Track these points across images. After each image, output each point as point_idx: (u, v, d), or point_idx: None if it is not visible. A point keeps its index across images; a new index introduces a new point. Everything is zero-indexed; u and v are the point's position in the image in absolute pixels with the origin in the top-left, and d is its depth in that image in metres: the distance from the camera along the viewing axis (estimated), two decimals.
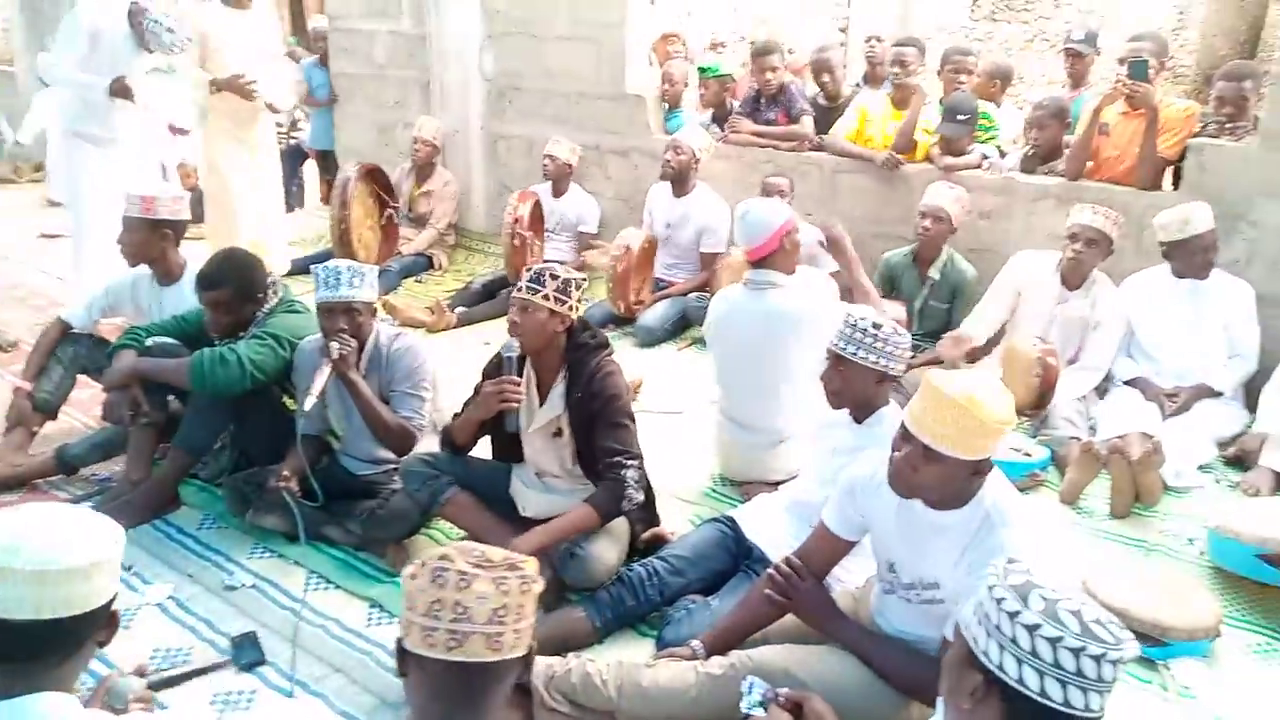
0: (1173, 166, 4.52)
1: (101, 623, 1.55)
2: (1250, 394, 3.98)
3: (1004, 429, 2.02)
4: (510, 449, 3.04)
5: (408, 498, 2.98)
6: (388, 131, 7.01)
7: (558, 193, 5.83)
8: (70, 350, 3.62)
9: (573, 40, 6.02)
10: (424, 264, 6.07)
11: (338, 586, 2.92)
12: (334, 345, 3.00)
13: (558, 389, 2.91)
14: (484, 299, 5.47)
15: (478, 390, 2.96)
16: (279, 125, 8.20)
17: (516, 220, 5.22)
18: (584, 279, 2.92)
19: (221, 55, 5.25)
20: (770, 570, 2.46)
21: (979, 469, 2.07)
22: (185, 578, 2.94)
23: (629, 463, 2.79)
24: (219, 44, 5.25)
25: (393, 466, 3.11)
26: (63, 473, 3.47)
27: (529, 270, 2.87)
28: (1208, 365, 3.99)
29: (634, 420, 2.89)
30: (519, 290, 2.84)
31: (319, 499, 3.00)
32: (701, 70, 5.99)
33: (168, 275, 3.65)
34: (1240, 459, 3.76)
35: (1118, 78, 4.48)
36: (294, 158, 8.30)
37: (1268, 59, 6.77)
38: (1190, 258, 3.95)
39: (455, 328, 5.18)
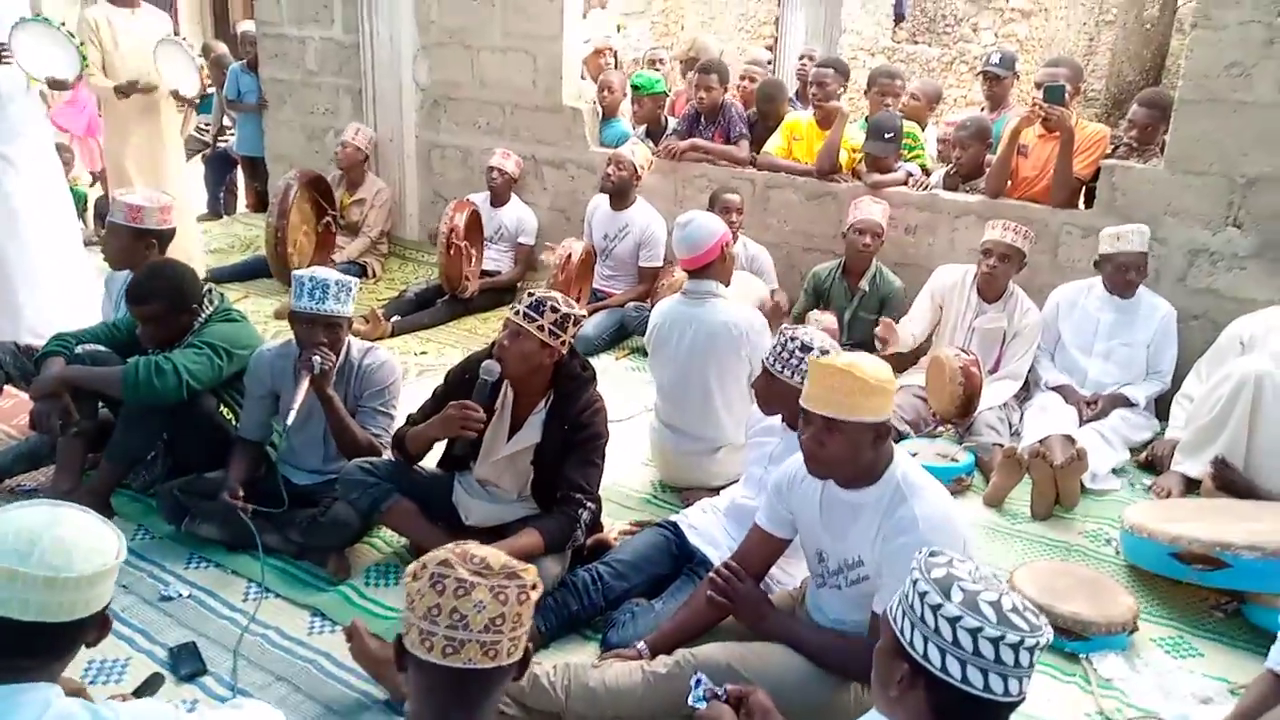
0: (1086, 186, 4.74)
1: (95, 625, 1.58)
2: (1159, 403, 4.21)
3: (888, 386, 2.18)
4: (458, 459, 3.04)
5: (348, 506, 2.96)
6: (318, 138, 6.94)
7: (498, 203, 5.84)
8: None
9: (507, 51, 6.05)
10: (357, 271, 6.01)
11: (278, 595, 2.89)
12: (315, 359, 2.94)
13: (537, 416, 2.89)
14: (418, 308, 5.45)
15: (438, 404, 2.94)
16: (203, 128, 8.09)
17: (453, 230, 5.22)
18: (582, 315, 2.86)
19: (119, 57, 5.16)
20: (710, 573, 2.54)
21: (879, 433, 2.19)
22: (120, 589, 2.86)
23: (589, 504, 2.82)
24: (115, 44, 5.17)
25: (333, 475, 3.08)
26: None
27: (530, 295, 2.82)
28: (1128, 377, 4.20)
29: (604, 461, 2.91)
30: (514, 314, 2.79)
31: (284, 504, 2.95)
32: (635, 86, 6.07)
33: None
34: (1152, 464, 3.97)
35: (1034, 101, 4.69)
36: (222, 164, 8.15)
37: (1171, 85, 7.17)
38: (1114, 273, 4.15)
39: (390, 336, 5.15)
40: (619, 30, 13.37)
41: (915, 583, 1.54)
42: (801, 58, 7.06)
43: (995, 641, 1.45)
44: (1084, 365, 4.25)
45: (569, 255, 5.05)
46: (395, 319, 5.26)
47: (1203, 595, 3.07)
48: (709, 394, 3.52)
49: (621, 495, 3.57)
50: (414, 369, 4.72)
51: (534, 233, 5.88)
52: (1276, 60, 4.06)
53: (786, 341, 2.77)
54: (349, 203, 6.12)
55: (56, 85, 4.74)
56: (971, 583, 1.51)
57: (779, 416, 2.90)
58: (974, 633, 1.45)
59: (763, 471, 2.89)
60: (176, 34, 5.80)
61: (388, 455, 3.07)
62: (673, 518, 3.06)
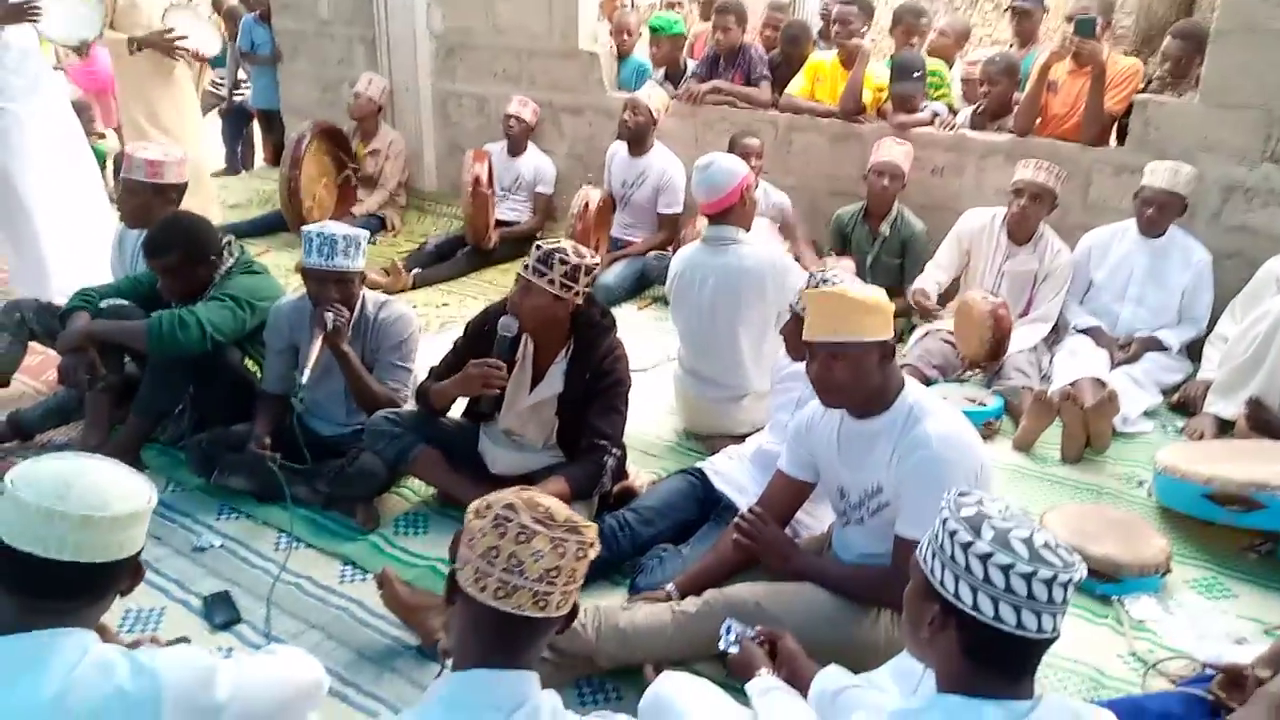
0: (1118, 123, 4.62)
1: (129, 571, 1.61)
2: (1192, 345, 4.13)
3: (883, 306, 2.22)
4: (483, 413, 3.03)
5: (375, 456, 2.97)
6: (332, 89, 6.86)
7: (515, 152, 5.77)
8: (18, 315, 3.51)
9: None
10: (377, 224, 5.99)
11: (309, 545, 2.91)
12: (329, 316, 2.93)
13: (558, 366, 2.88)
14: (438, 260, 5.42)
15: (459, 357, 2.92)
16: (215, 82, 8.03)
17: (476, 179, 5.16)
18: (595, 263, 2.83)
19: (133, 13, 5.09)
20: (736, 518, 2.54)
21: (883, 352, 2.21)
22: (153, 540, 2.89)
23: (614, 451, 2.81)
24: (129, 2, 5.09)
25: (359, 426, 3.09)
26: (17, 439, 3.38)
27: (538, 248, 2.78)
28: (1160, 322, 4.11)
29: (628, 409, 2.90)
30: (524, 269, 2.77)
31: (307, 461, 2.95)
32: (654, 28, 5.94)
33: None
34: (1184, 405, 3.91)
35: (1065, 36, 4.55)
36: (238, 119, 8.10)
37: (1204, 18, 6.93)
38: (1138, 206, 4.06)
39: (412, 289, 5.13)
40: None
41: (945, 522, 1.51)
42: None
43: (1028, 578, 1.42)
44: (1116, 309, 4.17)
45: (586, 203, 4.99)
46: (416, 271, 5.24)
47: (1237, 536, 3.03)
48: (733, 341, 3.49)
49: (646, 444, 3.56)
50: (435, 321, 4.71)
51: (552, 181, 5.81)
52: None
53: (815, 282, 2.72)
54: (364, 154, 6.07)
55: (81, 48, 4.72)
56: (1002, 520, 1.48)
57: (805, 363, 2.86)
58: (1006, 569, 1.43)
59: (788, 418, 2.86)
60: None
61: (408, 407, 3.06)
62: (698, 464, 3.04)
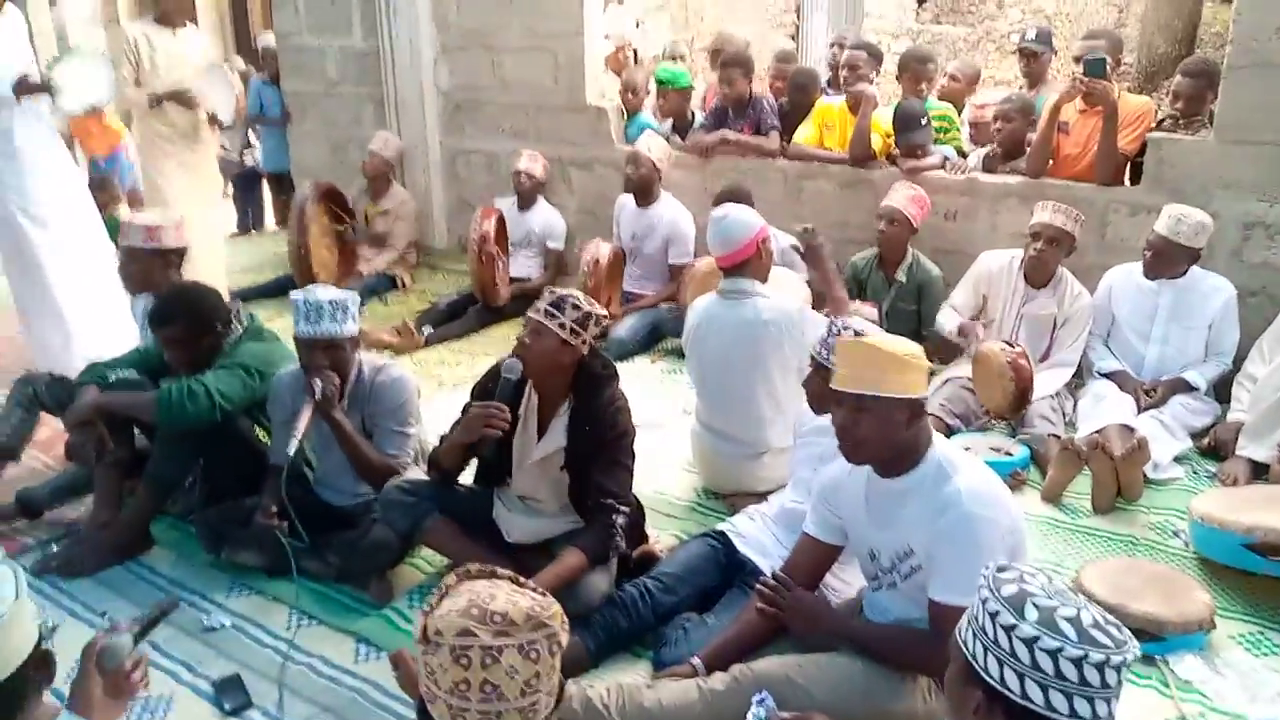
0: (1132, 162, 4.58)
1: (36, 667, 1.48)
2: (1220, 386, 4.03)
3: (918, 362, 2.12)
4: (495, 473, 2.97)
5: (388, 527, 2.89)
6: (342, 149, 6.90)
7: (525, 207, 5.76)
8: (30, 389, 3.47)
9: (529, 51, 5.97)
10: (387, 284, 5.97)
11: (321, 622, 2.83)
12: (317, 383, 2.89)
13: (561, 419, 2.82)
14: (450, 318, 5.39)
15: (466, 411, 2.88)
16: (224, 147, 8.08)
17: (483, 237, 5.15)
18: (605, 314, 2.83)
19: (156, 74, 5.12)
20: (759, 584, 2.47)
21: (913, 410, 2.13)
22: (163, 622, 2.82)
23: (621, 508, 2.73)
24: (152, 63, 5.12)
25: (371, 497, 3.02)
26: (25, 517, 3.33)
27: (551, 293, 2.78)
28: (1186, 360, 4.02)
29: (634, 461, 2.84)
30: (534, 311, 2.75)
31: (304, 540, 2.88)
32: (660, 80, 5.96)
33: None
34: (1215, 449, 3.80)
35: (1075, 76, 4.53)
36: (249, 181, 8.16)
37: (1204, 54, 6.95)
38: (1144, 249, 3.99)
39: (424, 348, 5.10)
40: (638, 25, 13.30)
41: (985, 602, 1.43)
42: (832, 44, 6.94)
43: (1078, 662, 1.34)
44: (1141, 350, 4.08)
45: (596, 259, 4.96)
46: (428, 330, 5.21)
47: None
48: (752, 396, 3.42)
49: (665, 503, 3.48)
50: (449, 381, 4.66)
51: (563, 236, 5.79)
52: None
53: (840, 332, 2.66)
54: (375, 213, 6.08)
55: (93, 111, 4.73)
56: (1046, 598, 1.40)
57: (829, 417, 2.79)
58: (1054, 654, 1.35)
59: (811, 474, 2.79)
60: None
61: (409, 475, 3.00)
62: (720, 526, 2.96)
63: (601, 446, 2.77)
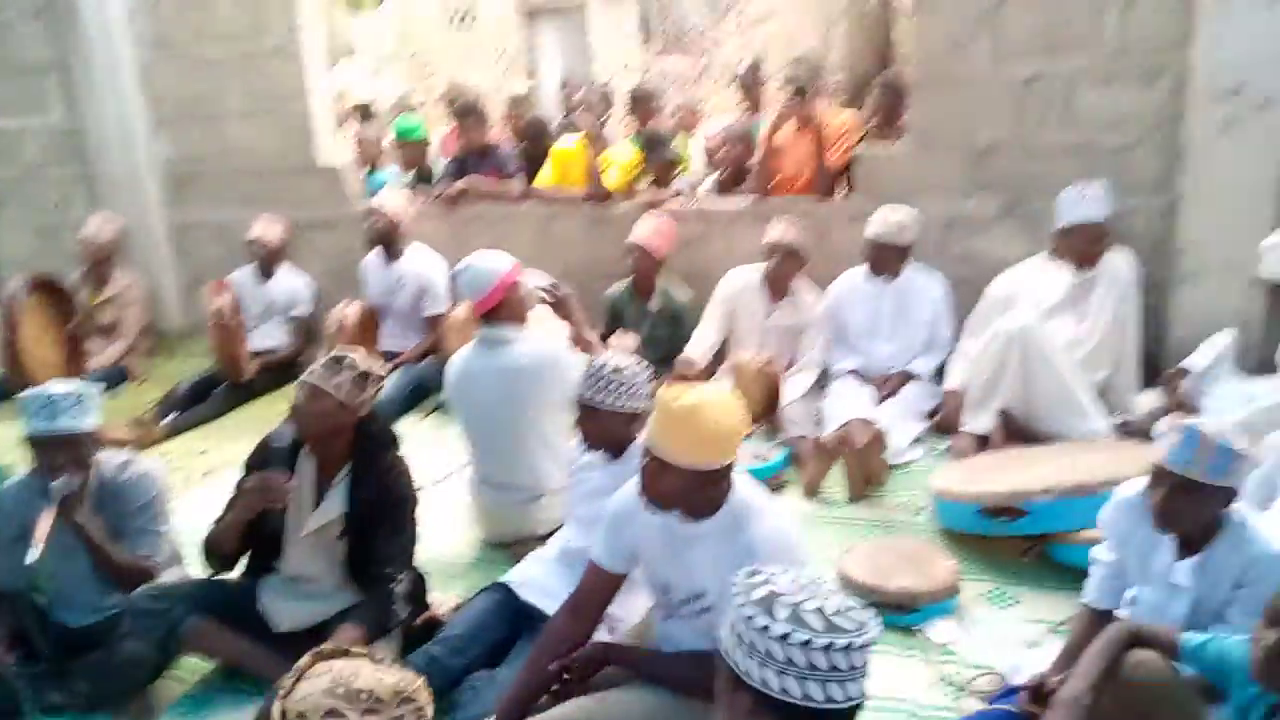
0: (844, 174, 4.97)
1: None
2: (941, 369, 4.43)
3: (732, 436, 2.12)
4: (264, 555, 2.80)
5: (140, 640, 2.65)
6: (53, 236, 6.30)
7: (265, 275, 5.49)
8: None
9: (253, 116, 5.75)
10: (119, 376, 5.50)
11: None
12: (57, 485, 2.63)
13: (340, 485, 2.71)
14: (194, 402, 5.03)
15: (240, 488, 2.70)
16: None
17: (218, 311, 4.87)
18: (382, 376, 2.75)
19: None
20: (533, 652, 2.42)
21: (724, 474, 2.15)
22: None
23: (400, 577, 2.66)
24: None
25: (117, 610, 2.75)
26: None
27: (328, 354, 2.68)
28: (913, 353, 4.40)
29: (416, 528, 2.77)
30: (309, 374, 2.64)
31: (40, 661, 2.59)
32: (398, 133, 5.89)
33: None
34: (944, 427, 4.18)
35: (783, 102, 4.87)
36: None
37: (904, 70, 7.70)
38: (863, 252, 4.36)
39: (167, 439, 4.74)
40: (372, 76, 13.08)
41: (740, 608, 1.50)
42: (563, 86, 7.11)
43: (826, 650, 1.43)
44: (871, 348, 4.44)
45: (342, 321, 4.81)
46: (171, 418, 4.85)
47: (1011, 544, 3.24)
48: (522, 441, 3.42)
49: (447, 564, 3.41)
50: (197, 471, 4.35)
51: (310, 301, 5.56)
52: (988, 36, 4.39)
53: (599, 369, 2.72)
54: (98, 302, 5.60)
55: None
56: (793, 595, 1.49)
57: (600, 451, 2.84)
58: (804, 646, 1.43)
59: (587, 509, 2.82)
60: None
61: (165, 576, 2.79)
62: (501, 578, 2.93)
63: (383, 513, 2.69)
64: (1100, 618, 2.46)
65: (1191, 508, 2.23)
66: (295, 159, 5.74)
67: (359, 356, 2.71)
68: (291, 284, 5.53)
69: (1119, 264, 4.09)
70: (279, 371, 5.27)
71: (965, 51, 4.44)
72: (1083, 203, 3.96)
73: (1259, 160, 3.95)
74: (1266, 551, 2.23)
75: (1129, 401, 4.00)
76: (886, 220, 4.28)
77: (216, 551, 2.74)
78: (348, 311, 4.88)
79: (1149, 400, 3.91)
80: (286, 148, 5.74)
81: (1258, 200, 3.98)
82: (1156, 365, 4.21)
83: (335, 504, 2.72)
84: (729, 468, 2.18)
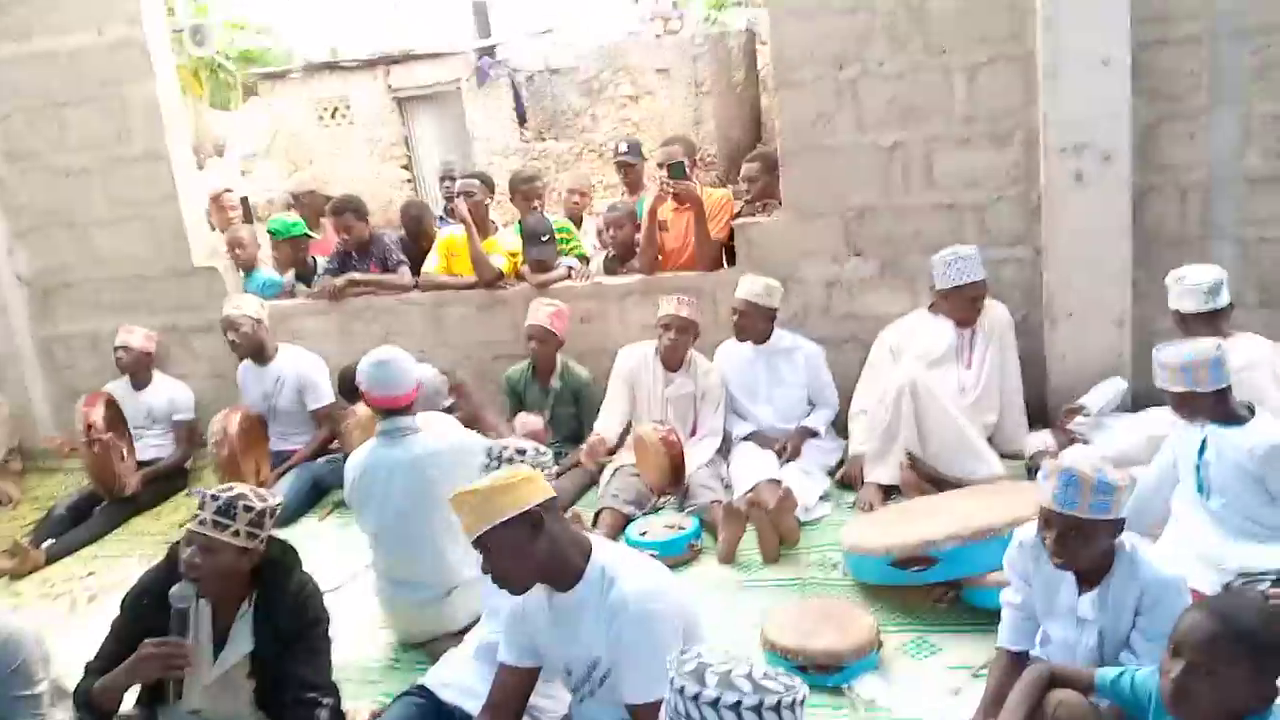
0: (725, 246, 5.12)
1: None
2: (838, 424, 4.58)
3: (513, 479, 2.16)
4: (162, 693, 2.61)
5: None
6: None
7: (139, 384, 5.25)
8: None
9: (121, 222, 5.57)
10: None
11: None
12: None
13: (243, 621, 2.56)
14: (74, 524, 4.73)
15: (121, 641, 2.51)
16: None
17: (90, 427, 4.63)
18: (279, 504, 2.60)
19: None
20: None
21: (533, 522, 2.15)
22: None
23: (325, 701, 2.53)
24: None
25: None
26: None
27: (215, 500, 2.48)
28: (796, 416, 4.51)
29: (331, 645, 2.65)
30: (200, 525, 2.45)
31: None
32: (271, 231, 5.79)
33: None
34: (848, 482, 4.28)
35: (662, 181, 5.00)
36: None
37: (771, 139, 8.01)
38: (732, 316, 4.48)
39: (46, 565, 4.43)
40: (243, 175, 12.88)
41: (672, 682, 1.58)
42: (442, 176, 7.13)
43: (757, 709, 1.52)
44: (756, 412, 4.54)
45: (224, 429, 4.62)
46: (49, 543, 4.54)
47: (926, 593, 3.31)
48: (431, 534, 3.34)
49: (360, 671, 3.27)
50: (83, 596, 4.08)
51: (190, 407, 5.33)
52: (849, 106, 4.62)
53: (500, 452, 2.70)
54: None
55: None
56: (723, 664, 1.58)
57: None
58: (736, 707, 1.52)
59: (503, 601, 2.76)
60: None
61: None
62: (420, 681, 2.83)
63: (296, 639, 2.55)
64: (1017, 659, 2.54)
65: (1084, 544, 2.34)
66: (169, 263, 5.57)
67: (251, 491, 2.54)
68: (169, 391, 5.31)
69: (996, 313, 4.32)
70: (165, 482, 5.04)
71: (830, 123, 4.66)
72: (957, 266, 4.18)
73: (1108, 209, 4.25)
74: (1157, 577, 2.35)
75: (1019, 443, 4.18)
76: (756, 282, 4.43)
77: (97, 709, 2.51)
78: (230, 419, 4.70)
79: (1039, 440, 4.09)
80: (159, 251, 5.57)
81: (1111, 246, 4.27)
82: (1042, 405, 4.44)
83: (241, 644, 2.57)
84: (539, 517, 2.16)
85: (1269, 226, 4.31)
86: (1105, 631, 2.41)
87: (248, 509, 2.48)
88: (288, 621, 2.54)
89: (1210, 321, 3.56)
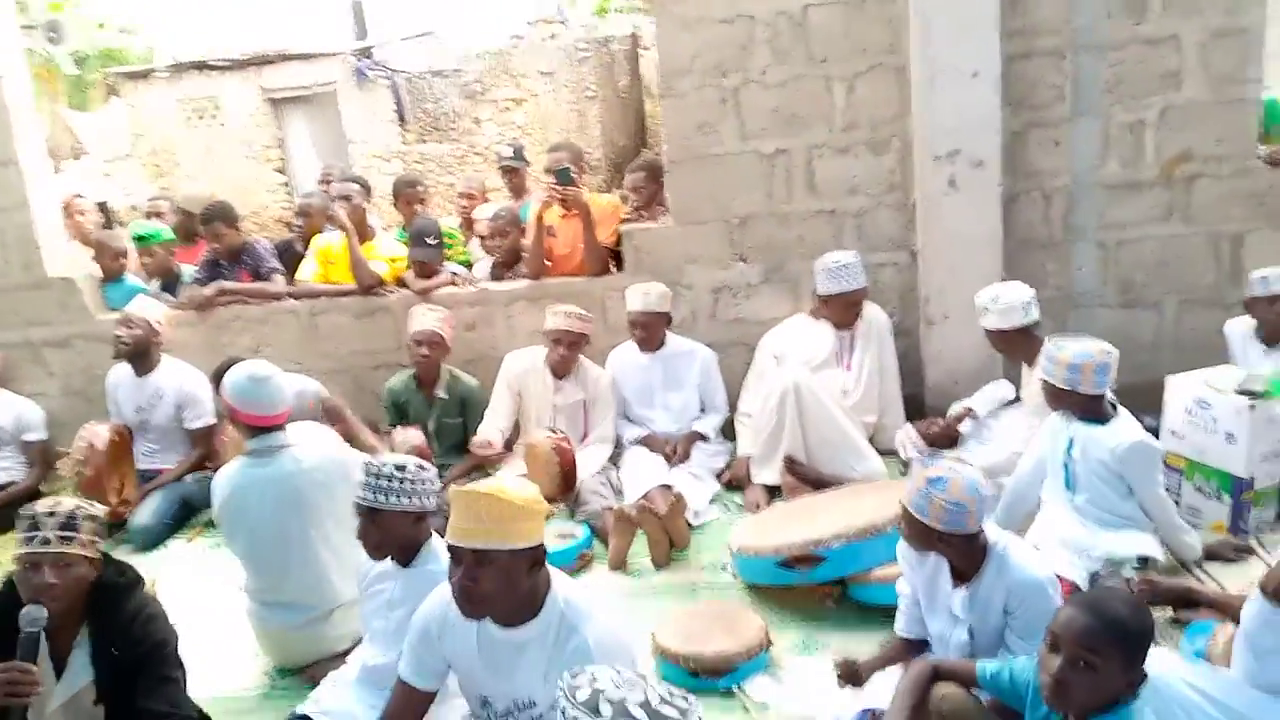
0: (614, 252, 5.10)
1: None
2: (725, 427, 4.60)
3: (538, 508, 2.09)
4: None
5: None
6: None
7: None
8: None
9: None
10: None
11: None
12: None
13: (81, 650, 2.40)
14: None
15: None
16: None
17: None
18: (118, 507, 2.47)
19: None
20: None
21: (535, 559, 2.08)
22: None
23: None
24: None
25: None
26: None
27: (52, 516, 2.34)
28: (689, 419, 4.53)
29: (184, 669, 2.49)
30: (44, 545, 2.30)
31: None
32: (137, 238, 5.48)
33: None
34: (735, 483, 4.31)
35: (549, 186, 4.94)
36: None
37: (656, 145, 8.06)
38: (630, 328, 4.49)
39: None
40: (106, 178, 12.21)
41: (563, 712, 1.51)
42: (321, 180, 6.88)
43: None
44: (650, 417, 4.54)
45: (91, 444, 4.34)
46: None
47: (814, 592, 3.35)
48: (310, 553, 3.19)
49: (233, 703, 3.10)
50: None
51: (42, 426, 4.98)
52: (732, 115, 4.68)
53: (379, 470, 2.58)
54: None
55: None
56: (616, 689, 1.51)
57: (390, 559, 2.69)
58: None
59: (384, 622, 2.67)
60: None
61: None
62: (300, 709, 2.70)
63: (140, 666, 2.39)
64: (911, 645, 2.65)
65: (940, 542, 2.46)
66: (22, 274, 5.21)
67: (81, 500, 2.46)
68: (17, 410, 4.95)
69: (874, 316, 4.44)
70: (17, 506, 4.67)
71: (713, 131, 4.70)
72: (840, 273, 4.28)
73: (980, 214, 4.41)
74: (1024, 578, 2.45)
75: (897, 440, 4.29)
76: (646, 293, 4.43)
77: None
78: (98, 431, 4.42)
79: (904, 435, 4.17)
80: (9, 262, 5.20)
81: (983, 249, 4.44)
82: (920, 404, 4.57)
83: (80, 673, 2.42)
84: (543, 553, 2.11)
85: (1128, 229, 4.56)
86: (975, 629, 2.50)
87: (89, 518, 2.40)
88: (127, 649, 2.39)
89: (1029, 334, 3.77)
